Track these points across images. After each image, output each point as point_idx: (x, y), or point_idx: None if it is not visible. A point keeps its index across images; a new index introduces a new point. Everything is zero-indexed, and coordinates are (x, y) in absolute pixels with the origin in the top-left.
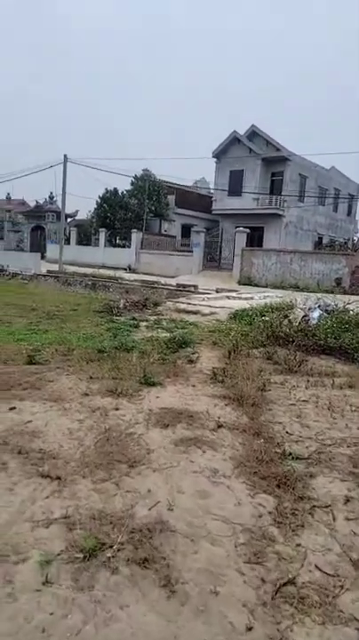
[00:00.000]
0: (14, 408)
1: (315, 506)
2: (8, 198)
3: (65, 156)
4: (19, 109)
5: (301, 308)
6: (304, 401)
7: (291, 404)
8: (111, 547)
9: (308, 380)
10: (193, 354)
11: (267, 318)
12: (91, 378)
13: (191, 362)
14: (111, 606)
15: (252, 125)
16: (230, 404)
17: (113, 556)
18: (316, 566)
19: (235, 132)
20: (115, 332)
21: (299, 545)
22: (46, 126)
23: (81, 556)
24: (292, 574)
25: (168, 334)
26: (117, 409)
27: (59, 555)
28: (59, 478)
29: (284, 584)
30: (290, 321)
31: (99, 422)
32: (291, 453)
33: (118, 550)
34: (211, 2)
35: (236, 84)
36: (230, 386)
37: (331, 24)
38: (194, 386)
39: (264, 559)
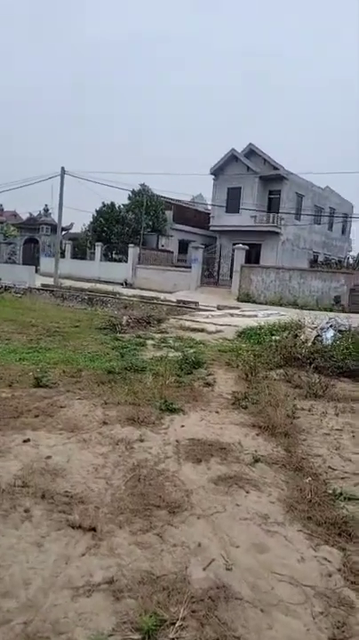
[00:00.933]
0: (29, 440)
1: None
2: (0, 210)
3: (62, 168)
4: (19, 123)
5: (311, 328)
6: (338, 430)
7: (326, 434)
8: (173, 624)
9: (336, 407)
10: (208, 375)
11: (277, 337)
12: (105, 403)
13: (208, 385)
14: None
15: (250, 144)
16: (261, 433)
17: (177, 638)
18: None
19: (233, 149)
20: (121, 350)
21: None
22: (46, 141)
23: (138, 637)
24: None
25: (177, 354)
26: (142, 440)
27: (111, 635)
28: (93, 529)
29: None
30: (301, 341)
31: (124, 457)
32: (341, 493)
33: (181, 628)
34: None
35: (235, 100)
36: (256, 412)
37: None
38: (217, 412)
39: (349, 634)
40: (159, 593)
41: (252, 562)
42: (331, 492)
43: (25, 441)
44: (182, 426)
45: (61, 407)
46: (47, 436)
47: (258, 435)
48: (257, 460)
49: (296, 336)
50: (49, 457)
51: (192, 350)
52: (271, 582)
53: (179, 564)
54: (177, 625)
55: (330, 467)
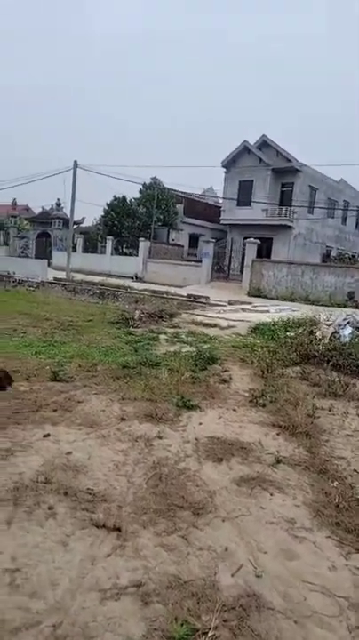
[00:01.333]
0: (49, 435)
1: None
2: (14, 204)
3: (75, 162)
4: (33, 123)
5: (327, 324)
6: None
7: (348, 435)
8: (205, 633)
9: (358, 407)
10: (223, 372)
11: (291, 334)
12: (122, 399)
13: (224, 381)
14: None
15: (263, 135)
16: (281, 433)
17: None
18: None
19: (245, 141)
20: (134, 345)
21: None
22: (60, 140)
23: None
24: None
25: (191, 349)
26: (160, 437)
27: None
28: (117, 529)
29: None
30: (317, 337)
31: (144, 454)
32: None
33: (214, 638)
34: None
35: (247, 92)
36: (275, 411)
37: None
38: (235, 410)
39: None
40: (188, 599)
41: (282, 569)
42: (356, 495)
43: (45, 436)
44: (200, 423)
45: (79, 402)
46: (66, 431)
47: (278, 434)
48: (279, 461)
49: (311, 332)
50: (69, 453)
51: (206, 346)
52: (303, 592)
53: (206, 569)
54: (209, 635)
55: (355, 470)
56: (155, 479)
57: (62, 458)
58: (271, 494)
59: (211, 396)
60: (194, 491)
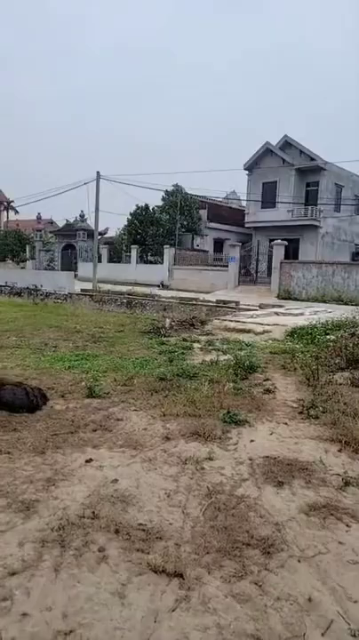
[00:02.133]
0: (91, 460)
1: None
2: (38, 218)
3: (98, 172)
4: (62, 138)
5: None
6: None
7: None
8: None
9: None
10: (265, 381)
11: (332, 337)
12: (164, 415)
13: (268, 391)
14: None
15: (285, 135)
16: (343, 449)
17: None
18: None
19: (267, 142)
20: (169, 355)
21: None
22: (84, 153)
23: None
24: None
25: (227, 357)
26: (211, 459)
27: None
28: (179, 575)
29: None
30: None
31: (196, 479)
32: None
33: None
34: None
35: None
36: (330, 423)
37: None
38: (286, 424)
39: None
40: None
41: None
42: None
43: (87, 461)
44: (252, 440)
45: (118, 420)
46: (109, 455)
47: (339, 451)
48: (347, 484)
49: (353, 334)
50: (116, 480)
51: (243, 353)
52: None
53: (290, 627)
54: None
55: None
56: (212, 510)
57: (108, 487)
58: (347, 525)
59: (258, 408)
60: (258, 523)
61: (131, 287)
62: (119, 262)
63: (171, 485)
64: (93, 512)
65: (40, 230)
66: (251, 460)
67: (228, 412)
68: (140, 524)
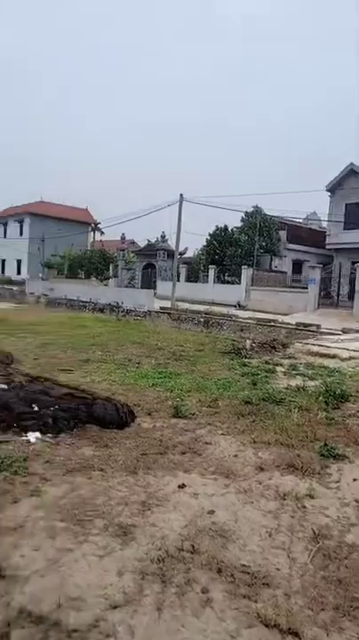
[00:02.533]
0: (184, 486)
1: None
2: (122, 239)
3: (181, 195)
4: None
5: None
6: None
7: None
8: None
9: None
10: None
11: None
12: (254, 442)
13: None
14: None
15: None
16: None
17: None
18: None
19: (351, 164)
20: (252, 378)
21: None
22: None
23: None
24: None
25: (314, 383)
26: (312, 496)
27: None
28: (293, 634)
29: None
30: None
31: (298, 519)
32: None
33: None
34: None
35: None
36: None
37: None
38: None
39: None
40: None
41: None
42: None
43: (180, 486)
44: (355, 479)
45: (207, 443)
46: (202, 482)
47: None
48: None
49: None
50: (212, 512)
51: (331, 379)
52: None
53: None
54: None
55: None
56: (321, 557)
57: (205, 518)
58: None
59: (356, 442)
60: None
61: (207, 306)
62: (196, 282)
63: (272, 523)
64: (192, 545)
65: (123, 250)
66: (357, 502)
67: (325, 445)
68: (244, 565)
